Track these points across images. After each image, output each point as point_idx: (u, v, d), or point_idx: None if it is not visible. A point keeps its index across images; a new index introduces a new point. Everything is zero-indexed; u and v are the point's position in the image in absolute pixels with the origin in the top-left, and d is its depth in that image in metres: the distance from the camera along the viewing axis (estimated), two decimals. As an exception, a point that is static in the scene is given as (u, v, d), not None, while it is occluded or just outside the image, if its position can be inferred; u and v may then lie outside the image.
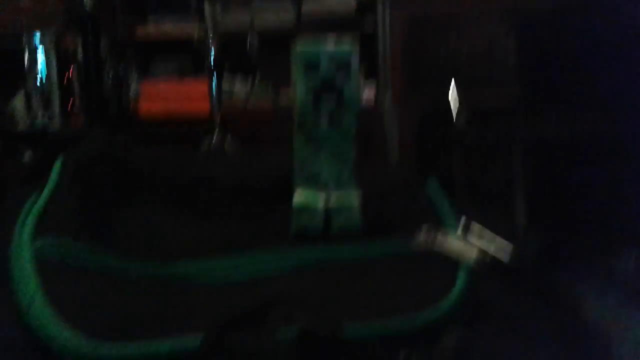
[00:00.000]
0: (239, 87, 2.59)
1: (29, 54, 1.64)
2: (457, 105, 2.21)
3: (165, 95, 2.43)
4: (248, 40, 1.91)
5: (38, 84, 1.65)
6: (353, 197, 0.41)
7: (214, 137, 1.88)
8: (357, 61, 0.41)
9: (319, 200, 0.41)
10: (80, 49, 1.66)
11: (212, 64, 1.83)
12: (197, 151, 0.50)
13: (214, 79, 1.85)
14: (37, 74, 1.65)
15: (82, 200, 0.40)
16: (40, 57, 1.67)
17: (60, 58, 1.68)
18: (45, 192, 0.39)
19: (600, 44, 2.02)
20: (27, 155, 1.78)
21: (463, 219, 0.41)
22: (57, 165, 0.43)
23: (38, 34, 1.63)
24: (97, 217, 0.40)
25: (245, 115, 2.51)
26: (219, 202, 0.45)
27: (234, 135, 2.25)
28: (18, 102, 1.66)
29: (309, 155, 0.41)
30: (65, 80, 1.70)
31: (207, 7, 1.88)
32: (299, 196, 0.42)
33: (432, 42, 2.56)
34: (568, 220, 2.18)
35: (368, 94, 2.73)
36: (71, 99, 1.71)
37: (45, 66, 1.66)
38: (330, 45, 0.40)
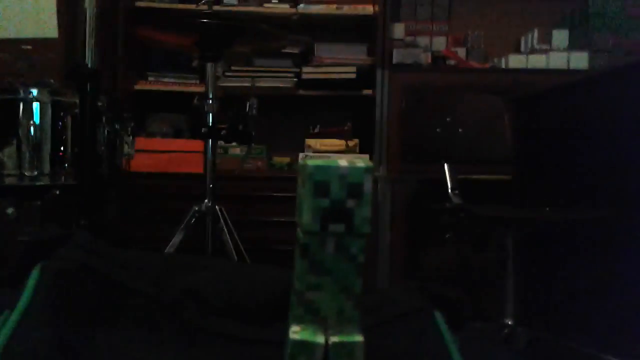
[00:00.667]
0: (235, 148, 2.57)
1: (23, 106, 1.62)
2: (452, 179, 2.20)
3: (160, 152, 2.40)
4: (248, 103, 1.89)
5: (30, 137, 1.62)
6: (357, 336, 0.37)
7: (206, 200, 1.85)
8: (370, 181, 0.37)
9: (318, 337, 0.37)
10: (77, 104, 1.63)
11: (209, 126, 1.81)
12: (188, 256, 0.45)
13: (209, 141, 1.83)
14: (30, 127, 1.62)
15: (57, 327, 0.35)
16: (35, 110, 1.64)
17: (56, 112, 1.66)
18: (16, 312, 0.35)
19: (594, 124, 2.03)
20: (10, 211, 1.73)
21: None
22: (33, 276, 0.38)
23: (34, 89, 1.61)
24: (72, 348, 0.35)
25: (240, 175, 2.49)
26: (204, 325, 0.41)
27: (228, 194, 2.22)
28: (7, 155, 1.62)
29: (310, 284, 0.37)
30: (59, 135, 1.67)
31: (208, 68, 1.88)
32: (295, 331, 0.37)
33: (428, 114, 2.57)
34: (556, 316, 2.14)
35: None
36: (62, 154, 1.68)
37: (39, 120, 1.63)
38: (342, 164, 0.37)
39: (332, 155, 2.67)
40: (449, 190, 2.18)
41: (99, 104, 1.69)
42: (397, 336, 0.41)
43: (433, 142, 2.53)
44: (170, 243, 1.76)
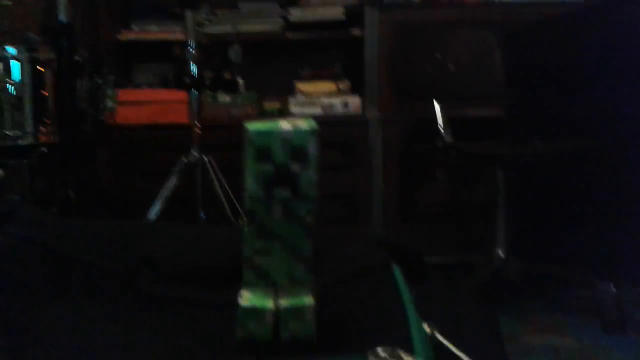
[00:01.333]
0: (224, 96, 2.54)
1: (1, 65, 1.58)
2: (443, 118, 2.18)
3: (144, 103, 2.37)
4: (230, 50, 1.85)
5: (11, 96, 1.59)
6: (307, 299, 0.36)
7: (191, 151, 1.83)
8: (315, 144, 0.36)
9: (268, 302, 0.36)
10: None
11: (192, 76, 1.77)
12: (142, 222, 0.44)
13: (193, 90, 1.80)
14: (9, 86, 1.59)
15: (3, 303, 0.35)
16: (14, 68, 1.61)
17: (35, 69, 1.63)
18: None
19: (587, 57, 1.99)
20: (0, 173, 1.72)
21: (428, 328, 0.36)
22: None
23: (12, 47, 1.57)
24: (20, 324, 0.35)
25: (229, 123, 2.46)
26: (159, 294, 0.40)
27: (217, 143, 2.21)
28: (-11, 115, 1.60)
29: (258, 249, 0.37)
30: (40, 92, 1.65)
31: (187, 15, 1.82)
32: (246, 297, 0.37)
33: (419, 52, 2.53)
34: (547, 246, 2.17)
35: (354, 103, 2.69)
36: (44, 111, 1.65)
37: (19, 78, 1.60)
38: (285, 127, 0.35)
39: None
40: (440, 129, 2.17)
41: (77, 58, 1.65)
42: (354, 294, 0.41)
43: (424, 80, 2.49)
44: (160, 195, 1.76)
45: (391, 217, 2.53)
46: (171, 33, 2.67)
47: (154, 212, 1.79)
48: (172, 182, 1.79)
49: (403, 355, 0.31)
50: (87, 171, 1.77)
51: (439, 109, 2.18)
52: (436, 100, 2.17)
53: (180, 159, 1.80)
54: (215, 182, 1.80)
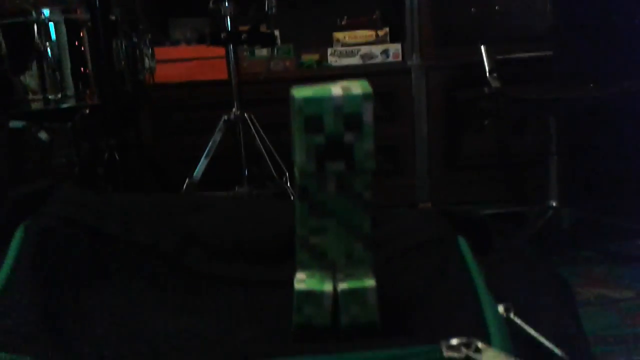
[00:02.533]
0: (261, 50, 2.48)
1: (38, 27, 1.57)
2: (489, 62, 2.08)
3: (182, 61, 2.34)
4: (267, 2, 1.79)
5: (50, 59, 1.58)
6: (368, 281, 0.33)
7: (234, 109, 1.81)
8: (371, 110, 0.32)
9: (326, 284, 0.33)
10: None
11: (228, 31, 1.73)
12: (186, 196, 0.41)
13: (230, 45, 1.76)
14: (48, 48, 1.58)
15: (44, 294, 0.33)
16: (51, 30, 1.60)
17: (71, 31, 1.61)
18: (0, 280, 0.33)
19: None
20: (44, 136, 1.74)
21: (503, 307, 0.33)
22: (16, 238, 0.35)
23: (46, 9, 1.56)
24: (63, 308, 0.33)
25: (268, 78, 2.42)
26: (208, 273, 0.38)
27: (257, 98, 2.18)
28: (29, 79, 1.60)
29: (313, 228, 0.33)
30: (78, 55, 1.63)
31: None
32: (301, 280, 0.34)
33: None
34: (601, 195, 2.08)
35: (395, 50, 2.61)
36: (84, 73, 1.64)
37: (56, 40, 1.59)
38: (336, 92, 0.31)
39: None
40: (487, 74, 2.07)
41: (112, 17, 1.63)
42: (415, 269, 0.37)
43: (468, 23, 2.38)
44: (203, 154, 1.75)
45: (436, 168, 2.48)
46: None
47: (197, 170, 1.79)
48: (214, 140, 1.78)
49: (480, 346, 0.28)
50: (130, 132, 1.77)
51: (485, 53, 2.08)
52: (482, 43, 2.07)
53: (221, 117, 1.78)
54: (257, 138, 1.78)
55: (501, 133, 2.41)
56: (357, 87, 0.32)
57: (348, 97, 0.31)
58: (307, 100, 0.31)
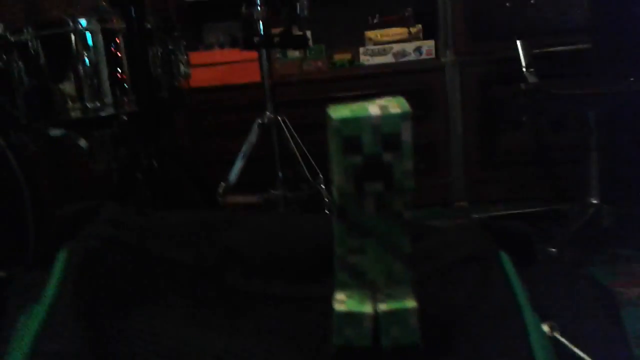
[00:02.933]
0: (293, 51, 2.49)
1: (75, 37, 1.60)
2: (525, 57, 2.04)
3: (216, 65, 2.36)
4: (298, 4, 1.79)
5: (87, 68, 1.61)
6: (409, 302, 0.33)
7: (268, 112, 1.81)
8: (409, 129, 0.31)
9: (366, 305, 0.33)
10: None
11: (260, 35, 1.74)
12: (223, 212, 0.42)
13: (262, 48, 1.76)
14: (85, 58, 1.61)
15: (89, 317, 0.33)
16: (89, 40, 1.63)
17: (108, 40, 1.64)
18: (42, 306, 0.33)
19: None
20: (84, 144, 1.78)
21: (547, 325, 0.32)
22: (60, 260, 0.36)
23: (83, 19, 1.59)
24: (109, 330, 0.34)
25: (300, 79, 2.43)
26: (249, 289, 0.38)
27: (290, 100, 2.18)
28: (68, 88, 1.63)
29: (352, 248, 0.33)
30: (115, 63, 1.66)
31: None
32: (341, 301, 0.33)
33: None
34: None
35: (428, 47, 2.58)
36: (121, 81, 1.67)
37: (93, 50, 1.62)
38: (374, 112, 0.31)
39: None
40: (524, 69, 2.04)
41: (148, 25, 1.65)
42: (456, 286, 0.37)
43: (503, 17, 2.34)
44: (237, 157, 1.76)
45: (472, 166, 2.44)
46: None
47: (232, 173, 1.80)
48: (248, 143, 1.79)
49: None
50: (166, 138, 1.79)
51: (522, 47, 2.04)
52: (518, 37, 2.04)
53: (254, 119, 1.79)
54: (290, 140, 1.78)
55: (539, 129, 2.36)
56: (395, 106, 0.31)
57: (386, 117, 0.31)
58: (345, 121, 0.31)
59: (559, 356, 0.31)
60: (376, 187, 0.31)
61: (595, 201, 1.89)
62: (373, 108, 0.31)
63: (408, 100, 0.31)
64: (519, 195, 2.33)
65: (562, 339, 0.32)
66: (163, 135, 1.76)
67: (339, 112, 0.31)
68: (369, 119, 0.31)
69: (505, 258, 0.38)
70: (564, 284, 0.38)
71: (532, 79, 2.02)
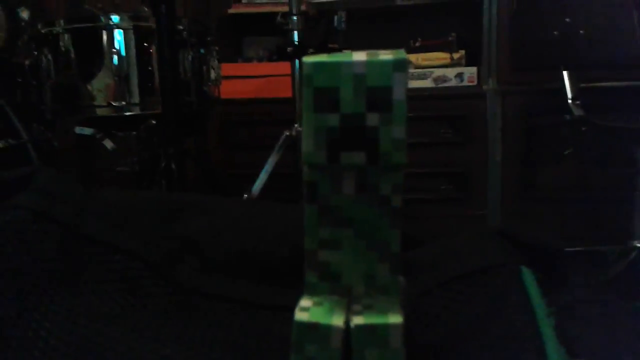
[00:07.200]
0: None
1: (107, 35, 1.58)
2: (572, 89, 1.94)
3: (249, 77, 2.33)
4: (336, 17, 1.74)
5: (116, 66, 1.58)
6: (393, 313, 0.25)
7: (296, 125, 1.75)
8: (404, 83, 0.24)
9: (335, 317, 0.25)
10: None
11: (294, 45, 1.69)
12: (193, 196, 0.34)
13: (296, 61, 1.71)
14: (115, 55, 1.58)
15: (6, 301, 0.26)
16: (120, 37, 1.60)
17: (139, 39, 1.61)
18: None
19: None
20: (110, 145, 1.74)
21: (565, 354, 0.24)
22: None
23: (115, 16, 1.56)
24: (14, 324, 0.27)
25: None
26: (205, 288, 0.31)
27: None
28: (96, 86, 1.61)
29: (323, 240, 0.25)
30: (145, 63, 1.63)
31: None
32: (304, 309, 0.25)
33: (544, 16, 2.28)
34: None
35: (470, 74, 2.49)
36: (150, 82, 1.64)
37: (124, 48, 1.59)
38: (357, 59, 0.24)
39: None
40: (569, 101, 1.94)
41: (180, 27, 1.62)
42: (461, 304, 0.29)
43: (549, 47, 2.25)
44: (262, 170, 1.70)
45: (510, 198, 2.33)
46: (280, 5, 2.60)
47: (256, 185, 1.74)
48: (274, 157, 1.73)
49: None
50: (191, 142, 1.75)
51: (568, 79, 1.95)
52: (565, 68, 1.94)
53: (282, 133, 1.73)
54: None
55: (583, 164, 2.24)
56: (388, 54, 0.24)
57: (373, 64, 0.23)
58: (319, 67, 0.23)
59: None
60: (356, 160, 0.24)
61: (639, 244, 1.76)
62: (359, 54, 0.24)
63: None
64: (558, 232, 2.20)
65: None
66: (187, 139, 1.72)
67: (314, 58, 0.24)
68: (350, 65, 0.23)
69: (528, 275, 0.30)
70: (600, 316, 0.30)
71: (577, 111, 1.92)
